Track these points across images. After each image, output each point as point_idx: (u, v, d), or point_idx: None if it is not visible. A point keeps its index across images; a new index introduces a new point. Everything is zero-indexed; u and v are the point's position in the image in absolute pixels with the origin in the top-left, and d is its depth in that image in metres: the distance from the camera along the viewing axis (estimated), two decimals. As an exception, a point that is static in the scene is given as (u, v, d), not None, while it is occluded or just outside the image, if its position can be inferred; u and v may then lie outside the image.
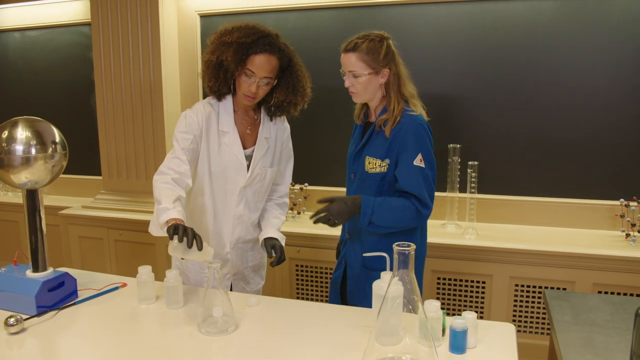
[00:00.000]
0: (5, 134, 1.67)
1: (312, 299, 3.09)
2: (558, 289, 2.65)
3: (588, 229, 2.92)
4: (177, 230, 1.53)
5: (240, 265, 2.12)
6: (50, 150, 1.72)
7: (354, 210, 1.86)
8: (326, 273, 3.03)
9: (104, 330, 1.61)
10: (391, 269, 1.52)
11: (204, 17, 3.40)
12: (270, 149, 2.05)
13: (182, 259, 1.60)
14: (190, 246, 1.52)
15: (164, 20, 3.22)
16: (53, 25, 3.85)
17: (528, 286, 2.70)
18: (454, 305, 2.84)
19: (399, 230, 1.90)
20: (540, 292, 2.69)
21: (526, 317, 2.74)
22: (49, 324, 1.65)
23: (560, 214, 2.96)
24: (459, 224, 3.01)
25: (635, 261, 2.51)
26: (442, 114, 3.04)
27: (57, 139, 1.76)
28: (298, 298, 3.11)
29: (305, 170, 3.17)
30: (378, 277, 1.57)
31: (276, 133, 2.08)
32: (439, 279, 2.83)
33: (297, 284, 3.11)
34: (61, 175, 1.83)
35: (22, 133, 1.68)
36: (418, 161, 1.82)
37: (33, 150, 1.68)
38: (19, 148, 1.67)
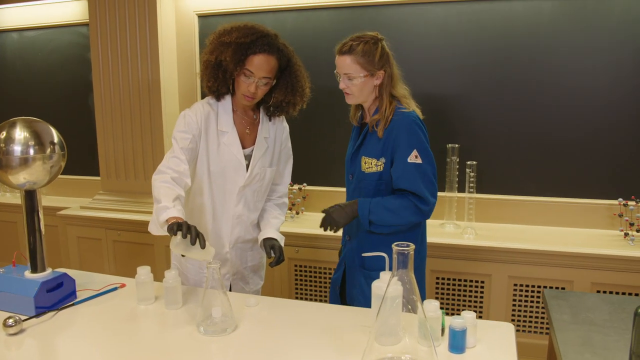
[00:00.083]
0: (3, 134, 1.67)
1: (311, 299, 3.09)
2: (557, 288, 2.65)
3: (586, 229, 2.93)
4: (180, 227, 1.53)
5: (240, 265, 2.12)
6: (48, 150, 1.72)
7: (352, 214, 1.88)
8: (325, 273, 3.03)
9: (103, 331, 1.60)
10: (390, 269, 1.52)
11: (202, 17, 3.40)
12: (269, 149, 2.05)
13: (183, 256, 1.59)
14: (193, 243, 1.52)
15: (162, 21, 3.22)
16: (51, 26, 3.84)
17: (527, 286, 2.71)
18: (452, 305, 2.84)
19: (404, 229, 1.91)
20: (539, 292, 2.70)
21: (525, 316, 2.74)
22: (48, 324, 1.64)
23: (558, 214, 2.97)
24: (458, 223, 3.01)
25: (633, 260, 2.52)
26: (441, 114, 3.04)
27: (56, 140, 1.76)
28: (297, 298, 3.11)
29: (304, 170, 3.17)
30: (376, 277, 1.57)
31: (275, 133, 2.08)
32: (437, 278, 2.83)
33: (296, 284, 3.11)
34: (59, 176, 1.83)
35: (20, 133, 1.68)
36: (413, 158, 1.82)
37: (31, 151, 1.68)
38: (17, 149, 1.66)
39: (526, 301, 2.72)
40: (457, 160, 2.95)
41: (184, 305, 1.78)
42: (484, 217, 3.05)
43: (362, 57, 1.83)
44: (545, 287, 2.67)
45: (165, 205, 1.66)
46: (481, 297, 2.79)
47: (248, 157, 1.99)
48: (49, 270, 1.79)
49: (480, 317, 2.64)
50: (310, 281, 3.08)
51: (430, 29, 3.02)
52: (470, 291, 2.80)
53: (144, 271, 1.78)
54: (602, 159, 2.89)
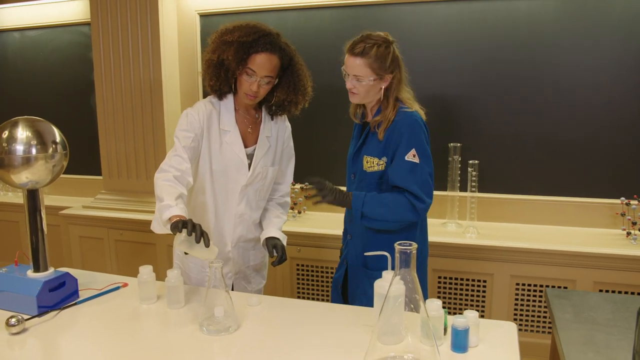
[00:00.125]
0: (5, 134, 1.67)
1: (313, 299, 3.09)
2: (559, 287, 2.65)
3: (589, 228, 2.92)
4: (185, 224, 1.54)
5: (242, 264, 2.12)
6: (50, 150, 1.72)
7: (342, 202, 1.87)
8: (327, 272, 3.03)
9: (105, 330, 1.61)
10: (393, 268, 1.52)
11: (203, 16, 3.40)
12: (271, 148, 2.05)
13: (186, 254, 1.59)
14: (198, 241, 1.53)
15: (163, 20, 3.22)
16: (53, 25, 3.85)
17: (529, 285, 2.70)
18: (455, 304, 2.84)
19: (399, 228, 1.90)
20: (541, 291, 2.69)
21: (527, 315, 2.74)
22: (50, 324, 1.65)
23: (560, 213, 2.96)
24: (460, 222, 3.01)
25: (636, 259, 2.51)
26: (443, 113, 3.04)
27: (58, 139, 1.76)
28: (299, 297, 3.11)
29: (306, 169, 3.15)
30: (379, 276, 1.57)
31: (277, 132, 2.08)
32: (440, 277, 2.83)
33: (298, 284, 3.11)
34: (62, 175, 1.83)
35: (22, 133, 1.68)
36: (411, 156, 1.81)
37: (33, 150, 1.68)
38: (19, 148, 1.66)
39: (528, 300, 2.72)
40: (459, 159, 2.94)
41: (186, 304, 1.78)
42: (486, 216, 3.05)
43: (375, 62, 1.81)
44: (547, 286, 2.66)
45: (168, 203, 1.66)
46: (483, 296, 2.79)
47: (250, 156, 1.99)
48: (51, 270, 1.79)
49: (482, 316, 2.64)
50: (313, 280, 3.08)
51: (433, 28, 3.02)
52: (473, 290, 2.80)
53: (146, 270, 1.78)
54: (604, 157, 2.88)
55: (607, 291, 2.59)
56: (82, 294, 1.84)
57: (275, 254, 1.97)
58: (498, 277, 2.72)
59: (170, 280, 1.74)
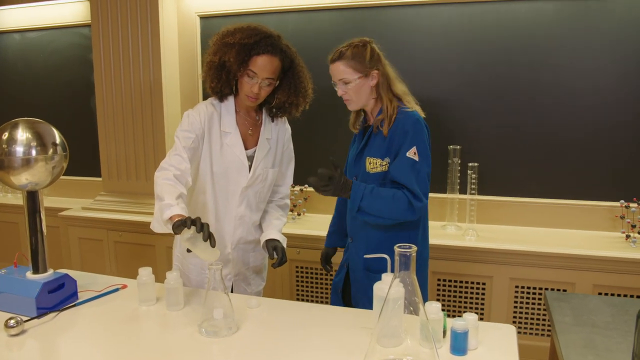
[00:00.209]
0: (5, 135, 1.67)
1: (312, 301, 3.09)
2: (558, 290, 2.65)
3: (588, 230, 2.92)
4: (194, 222, 1.54)
5: (242, 266, 2.12)
6: (50, 151, 1.72)
7: (345, 191, 1.84)
8: (327, 274, 3.03)
9: (104, 332, 1.60)
10: (392, 271, 1.52)
11: (203, 18, 3.41)
12: (271, 150, 2.06)
13: (189, 251, 1.59)
14: (206, 239, 1.53)
15: (163, 22, 3.22)
16: (53, 27, 3.85)
17: (528, 287, 2.70)
18: (454, 306, 2.84)
19: (391, 224, 1.89)
20: (540, 294, 2.69)
21: (526, 318, 2.74)
22: (49, 325, 1.64)
23: (560, 215, 2.96)
24: (459, 225, 3.01)
25: (635, 262, 2.51)
26: (443, 115, 3.04)
27: (58, 141, 1.76)
28: (298, 299, 3.11)
29: (306, 171, 3.14)
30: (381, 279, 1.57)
31: (277, 134, 2.08)
32: (439, 280, 2.82)
33: (298, 286, 3.11)
34: (61, 177, 1.83)
35: (22, 134, 1.68)
36: (412, 154, 1.82)
37: (33, 152, 1.68)
38: (19, 149, 1.66)
39: (527, 303, 2.72)
40: (459, 161, 2.94)
41: (186, 306, 1.78)
42: (486, 218, 3.05)
43: (352, 60, 1.86)
44: (546, 289, 2.66)
45: (169, 202, 1.66)
46: (482, 299, 2.78)
47: (250, 158, 2.00)
48: (50, 271, 1.79)
49: (481, 319, 2.64)
50: (312, 283, 3.08)
51: (433, 30, 3.02)
52: (472, 293, 2.80)
53: (145, 272, 1.78)
54: (604, 160, 2.89)
55: (606, 294, 2.59)
56: (81, 296, 1.84)
57: (275, 255, 1.97)
58: (497, 279, 2.72)
59: (169, 282, 1.74)
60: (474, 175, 2.88)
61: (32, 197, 1.75)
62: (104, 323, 1.66)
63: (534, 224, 3.01)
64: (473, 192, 2.89)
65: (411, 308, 1.15)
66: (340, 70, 1.87)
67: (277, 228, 2.09)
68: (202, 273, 2.07)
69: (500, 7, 2.90)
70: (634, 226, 2.73)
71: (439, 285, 2.83)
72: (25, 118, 1.74)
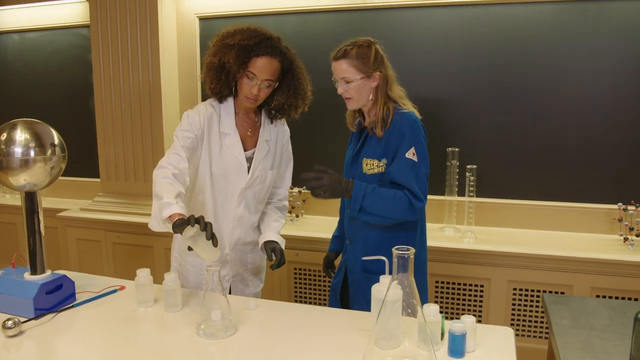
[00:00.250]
0: (4, 136, 1.67)
1: (310, 302, 3.09)
2: (556, 292, 2.65)
3: (586, 233, 2.92)
4: (198, 220, 1.54)
5: (240, 267, 2.12)
6: (49, 152, 1.72)
7: (344, 191, 1.83)
8: (325, 276, 3.03)
9: (102, 333, 1.60)
10: (390, 273, 1.52)
11: (203, 19, 3.41)
12: (270, 152, 2.06)
13: (190, 249, 1.59)
14: (209, 238, 1.53)
15: (163, 23, 3.23)
16: (52, 27, 3.85)
17: (526, 290, 2.70)
18: (452, 309, 2.84)
19: (391, 224, 1.89)
20: (538, 296, 2.69)
21: (524, 320, 2.74)
22: (47, 326, 1.64)
23: (558, 218, 2.96)
24: (458, 227, 3.01)
25: (633, 265, 2.51)
26: (442, 117, 3.04)
27: (56, 141, 1.76)
28: (296, 301, 3.11)
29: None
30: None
31: (276, 136, 2.08)
32: (437, 282, 2.83)
33: (296, 288, 3.11)
34: (60, 178, 1.83)
35: (21, 135, 1.68)
36: (411, 154, 1.82)
37: (32, 153, 1.68)
38: (17, 150, 1.66)
39: (525, 305, 2.72)
40: (457, 164, 2.95)
41: (184, 307, 1.78)
42: (484, 221, 3.05)
43: (356, 60, 1.86)
44: (544, 291, 2.67)
45: (168, 201, 1.66)
46: (480, 301, 2.79)
47: (249, 160, 2.00)
48: (48, 272, 1.78)
49: (479, 321, 2.64)
50: (310, 284, 3.08)
51: (431, 32, 3.03)
52: (470, 295, 2.80)
53: (143, 273, 1.78)
54: (602, 163, 2.89)
55: (604, 297, 2.59)
56: (79, 297, 1.84)
57: (273, 257, 1.98)
58: (495, 282, 2.72)
59: (167, 284, 1.74)
60: (472, 178, 2.88)
61: (31, 197, 1.75)
62: (101, 324, 1.66)
63: (532, 226, 3.01)
64: (471, 194, 2.89)
65: (409, 310, 1.15)
66: (343, 69, 1.87)
67: (276, 230, 2.10)
68: (200, 274, 2.07)
69: (500, 10, 2.91)
70: (631, 229, 2.73)
71: (437, 287, 2.83)
72: (24, 119, 1.74)
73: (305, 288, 3.09)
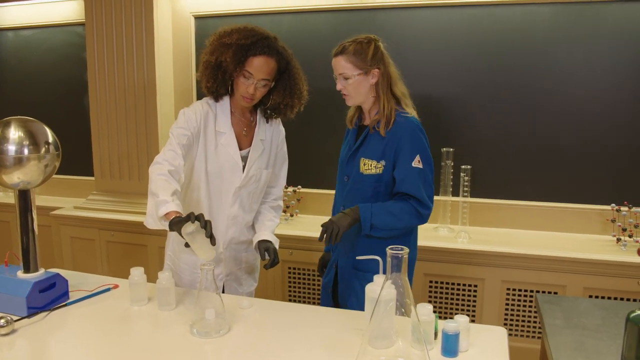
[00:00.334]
0: (-3, 133, 1.66)
1: (304, 302, 3.09)
2: (549, 292, 2.66)
3: (579, 234, 2.94)
4: (199, 218, 1.54)
5: (234, 266, 2.12)
6: (43, 150, 1.72)
7: (354, 217, 1.86)
8: (319, 276, 3.02)
9: (96, 332, 1.60)
10: (384, 272, 1.52)
11: (198, 18, 3.40)
12: (265, 151, 2.06)
13: (187, 246, 1.59)
14: (208, 236, 1.53)
15: (158, 22, 3.22)
16: (47, 25, 3.83)
17: (520, 290, 2.71)
18: (445, 308, 2.84)
19: (399, 234, 1.92)
20: (531, 296, 2.70)
21: (517, 320, 2.75)
22: (40, 325, 1.64)
23: (551, 218, 2.98)
24: (452, 227, 3.01)
25: (625, 265, 2.53)
26: (436, 117, 3.05)
27: (50, 139, 1.75)
28: (290, 300, 3.11)
29: (299, 172, 3.16)
30: (370, 278, 1.57)
31: (272, 135, 2.08)
32: (431, 282, 2.83)
33: (290, 287, 3.11)
34: (53, 176, 1.83)
35: (14, 133, 1.67)
36: (417, 162, 1.85)
37: (26, 151, 1.68)
38: (11, 148, 1.66)
39: (519, 305, 2.73)
40: (452, 164, 2.96)
41: (177, 306, 1.78)
42: (478, 221, 3.06)
43: (353, 56, 1.87)
44: (538, 291, 2.68)
45: (164, 199, 1.66)
46: (474, 301, 2.79)
47: (244, 159, 2.00)
48: (41, 271, 1.78)
49: (473, 321, 2.65)
50: (304, 284, 3.08)
51: (427, 33, 3.03)
52: (464, 295, 2.80)
53: (137, 272, 1.78)
54: (595, 164, 2.90)
55: (597, 297, 2.61)
56: (73, 295, 1.83)
57: (267, 257, 1.98)
58: (489, 282, 2.73)
59: (161, 282, 1.74)
60: (466, 178, 2.89)
61: (24, 195, 1.75)
62: (95, 323, 1.66)
63: (526, 226, 3.02)
64: (465, 194, 2.90)
65: (403, 310, 1.15)
66: (341, 65, 1.88)
67: (270, 229, 2.10)
68: (194, 273, 2.07)
69: (496, 11, 2.91)
70: (624, 229, 2.75)
71: (430, 287, 2.84)
72: (18, 116, 1.73)
73: (299, 287, 3.09)
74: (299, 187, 3.25)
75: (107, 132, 3.37)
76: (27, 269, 1.75)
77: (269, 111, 2.05)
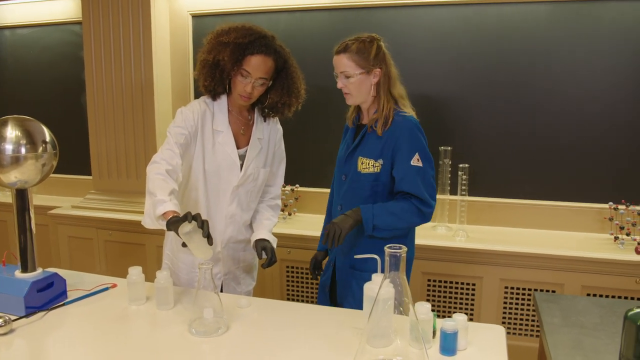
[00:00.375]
0: (-6, 132, 1.66)
1: (302, 301, 3.09)
2: (547, 291, 2.66)
3: (577, 232, 2.94)
4: (196, 217, 1.54)
5: (232, 265, 2.11)
6: (40, 149, 1.71)
7: (356, 218, 1.86)
8: (312, 278, 3.02)
9: (94, 331, 1.60)
10: (382, 271, 1.52)
11: (196, 17, 3.39)
12: (263, 150, 2.06)
13: (184, 246, 1.59)
14: (205, 236, 1.53)
15: (155, 20, 3.21)
16: (44, 24, 3.82)
17: (518, 288, 2.72)
18: (444, 307, 2.85)
19: (401, 234, 1.92)
20: (529, 295, 2.71)
21: (516, 319, 2.75)
22: (38, 324, 1.63)
23: (549, 217, 2.98)
24: (450, 226, 3.02)
25: (623, 264, 2.53)
26: (434, 116, 3.05)
27: (47, 138, 1.75)
28: (288, 299, 3.11)
29: (297, 171, 3.16)
30: (367, 278, 1.57)
31: (269, 134, 2.08)
32: (429, 280, 2.83)
33: (288, 286, 3.10)
34: (51, 175, 1.82)
35: (11, 132, 1.67)
36: (415, 161, 1.84)
37: (23, 150, 1.67)
38: (8, 147, 1.65)
39: (517, 304, 2.73)
40: (450, 162, 2.96)
41: (176, 305, 1.77)
42: (476, 219, 3.06)
43: (356, 55, 1.86)
44: (536, 289, 2.68)
45: (162, 199, 1.66)
46: (472, 300, 2.80)
47: (242, 157, 2.00)
48: (39, 270, 1.78)
49: (471, 320, 2.65)
50: (302, 283, 3.08)
51: (424, 32, 3.03)
52: (462, 293, 2.81)
53: (135, 271, 1.78)
54: (593, 162, 2.90)
55: (595, 295, 2.61)
56: (71, 295, 1.83)
57: (264, 256, 1.97)
58: (487, 280, 2.73)
59: (159, 282, 1.74)
60: (464, 177, 2.89)
61: (22, 195, 1.74)
62: (93, 322, 1.65)
63: (524, 225, 3.02)
64: (463, 193, 2.90)
65: (401, 308, 1.15)
66: (343, 64, 1.87)
67: (267, 228, 2.09)
68: (192, 272, 2.07)
69: (494, 10, 2.90)
70: (622, 228, 2.75)
71: (429, 285, 2.84)
72: (15, 115, 1.73)
73: (297, 286, 3.09)
74: (297, 185, 3.25)
75: (104, 131, 3.36)
76: (24, 269, 1.75)
77: (266, 110, 2.05)
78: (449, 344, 1.44)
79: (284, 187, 3.15)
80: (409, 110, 1.92)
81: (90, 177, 3.58)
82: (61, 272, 1.87)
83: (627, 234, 2.74)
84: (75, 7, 3.65)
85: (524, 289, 2.71)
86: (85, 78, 3.37)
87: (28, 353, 1.51)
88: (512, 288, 2.72)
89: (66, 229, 3.42)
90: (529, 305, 2.72)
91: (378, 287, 1.18)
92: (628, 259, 2.53)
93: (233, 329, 1.61)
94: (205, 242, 1.55)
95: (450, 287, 2.81)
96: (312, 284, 3.06)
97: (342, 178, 2.02)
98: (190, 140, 1.91)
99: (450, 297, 2.83)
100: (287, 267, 3.07)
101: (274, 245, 2.05)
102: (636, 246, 2.62)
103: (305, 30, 3.21)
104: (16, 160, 1.66)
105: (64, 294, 1.81)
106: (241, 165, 1.99)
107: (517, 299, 2.73)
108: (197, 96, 2.09)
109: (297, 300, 3.10)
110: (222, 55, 1.85)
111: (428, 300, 2.83)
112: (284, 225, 3.10)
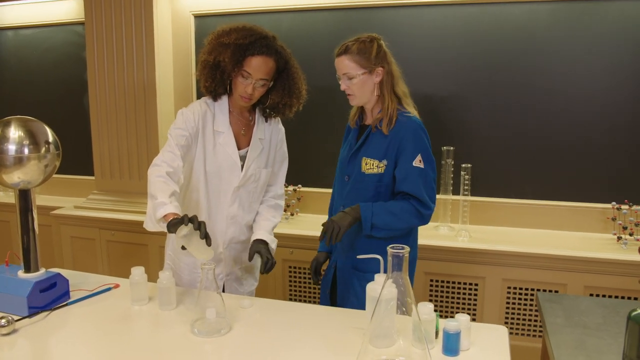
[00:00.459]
0: (-3, 133, 1.66)
1: (305, 301, 3.09)
2: (550, 291, 2.66)
3: (580, 232, 2.94)
4: (192, 220, 1.54)
5: (234, 265, 2.11)
6: (43, 150, 1.72)
7: (354, 216, 1.86)
8: (314, 283, 3.02)
9: (96, 332, 1.60)
10: (385, 272, 1.52)
11: (198, 17, 3.40)
12: (264, 150, 2.05)
13: (183, 249, 1.59)
14: (203, 237, 1.53)
15: (158, 20, 3.21)
16: (47, 24, 3.83)
17: (520, 288, 2.71)
18: (446, 307, 2.84)
19: (400, 234, 1.91)
20: (532, 295, 2.70)
21: (518, 319, 2.75)
22: (41, 325, 1.64)
23: (552, 217, 2.97)
24: (452, 226, 3.01)
25: (626, 264, 2.53)
26: (437, 116, 3.04)
27: (50, 139, 1.75)
28: (291, 299, 3.11)
29: (299, 171, 3.16)
30: (369, 279, 1.57)
31: (270, 134, 2.08)
32: (431, 281, 2.83)
33: (291, 286, 3.10)
34: (54, 175, 1.83)
35: (14, 132, 1.67)
36: (417, 162, 1.84)
37: (26, 150, 1.67)
38: (11, 148, 1.66)
39: (520, 304, 2.73)
40: (452, 162, 2.95)
41: (178, 306, 1.78)
42: (478, 219, 3.06)
43: (357, 55, 1.86)
44: (538, 290, 2.67)
45: (162, 201, 1.66)
46: (475, 300, 2.79)
47: (243, 158, 2.00)
48: (42, 270, 1.78)
49: (474, 320, 2.64)
50: (305, 283, 3.08)
51: (426, 32, 3.03)
52: (464, 294, 2.80)
53: (138, 272, 1.78)
54: (596, 162, 2.90)
55: (597, 295, 2.60)
56: (73, 295, 1.83)
57: (258, 260, 1.97)
58: (490, 280, 2.73)
59: (162, 282, 1.74)
60: (467, 177, 2.89)
61: (24, 195, 1.75)
62: (95, 322, 1.66)
63: (527, 225, 3.02)
64: (466, 193, 2.90)
65: (404, 309, 1.15)
66: (345, 65, 1.87)
67: (266, 228, 2.08)
68: (195, 272, 2.07)
69: (495, 9, 2.91)
70: (625, 228, 2.74)
71: (431, 285, 2.84)
72: (18, 116, 1.73)
73: (299, 286, 3.09)
74: (299, 186, 3.25)
75: (107, 131, 3.36)
76: (27, 269, 1.75)
77: (267, 110, 2.05)
78: (451, 344, 1.44)
79: (286, 187, 3.15)
80: (412, 110, 1.92)
81: (92, 178, 3.59)
82: (64, 272, 1.87)
83: (630, 234, 2.73)
84: (77, 8, 3.66)
85: (526, 289, 2.70)
86: (88, 78, 3.37)
87: (31, 353, 1.51)
88: (515, 288, 2.72)
89: (69, 229, 3.42)
90: (531, 305, 2.71)
91: (381, 288, 1.17)
92: (631, 259, 2.53)
93: (236, 329, 1.61)
94: (204, 244, 1.55)
95: (453, 287, 2.81)
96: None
97: (344, 179, 2.01)
98: (191, 141, 1.91)
99: (452, 297, 2.82)
100: (290, 267, 3.07)
101: (274, 246, 2.05)
102: (639, 246, 2.62)
103: (308, 31, 3.21)
104: (19, 160, 1.66)
105: (66, 294, 1.81)
106: (242, 166, 1.99)
107: (520, 299, 2.72)
108: (199, 97, 2.09)
109: (300, 301, 3.10)
110: (222, 56, 1.84)
111: (430, 301, 2.83)
112: (286, 225, 3.10)
